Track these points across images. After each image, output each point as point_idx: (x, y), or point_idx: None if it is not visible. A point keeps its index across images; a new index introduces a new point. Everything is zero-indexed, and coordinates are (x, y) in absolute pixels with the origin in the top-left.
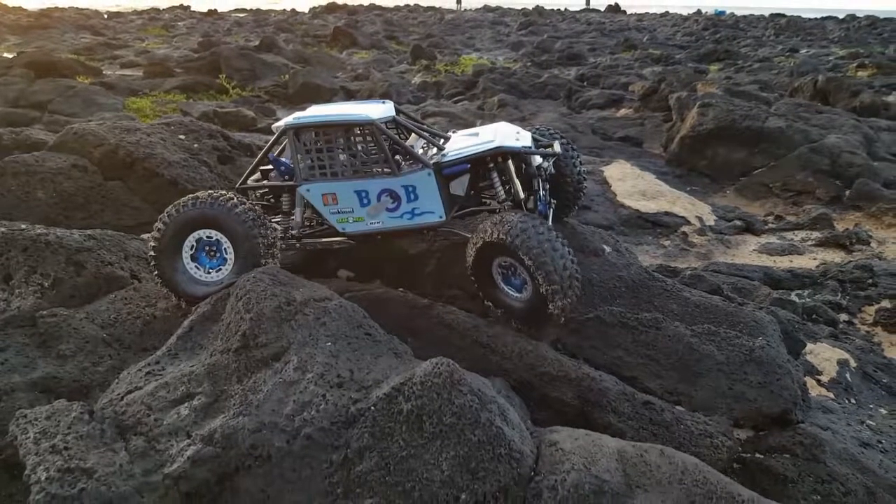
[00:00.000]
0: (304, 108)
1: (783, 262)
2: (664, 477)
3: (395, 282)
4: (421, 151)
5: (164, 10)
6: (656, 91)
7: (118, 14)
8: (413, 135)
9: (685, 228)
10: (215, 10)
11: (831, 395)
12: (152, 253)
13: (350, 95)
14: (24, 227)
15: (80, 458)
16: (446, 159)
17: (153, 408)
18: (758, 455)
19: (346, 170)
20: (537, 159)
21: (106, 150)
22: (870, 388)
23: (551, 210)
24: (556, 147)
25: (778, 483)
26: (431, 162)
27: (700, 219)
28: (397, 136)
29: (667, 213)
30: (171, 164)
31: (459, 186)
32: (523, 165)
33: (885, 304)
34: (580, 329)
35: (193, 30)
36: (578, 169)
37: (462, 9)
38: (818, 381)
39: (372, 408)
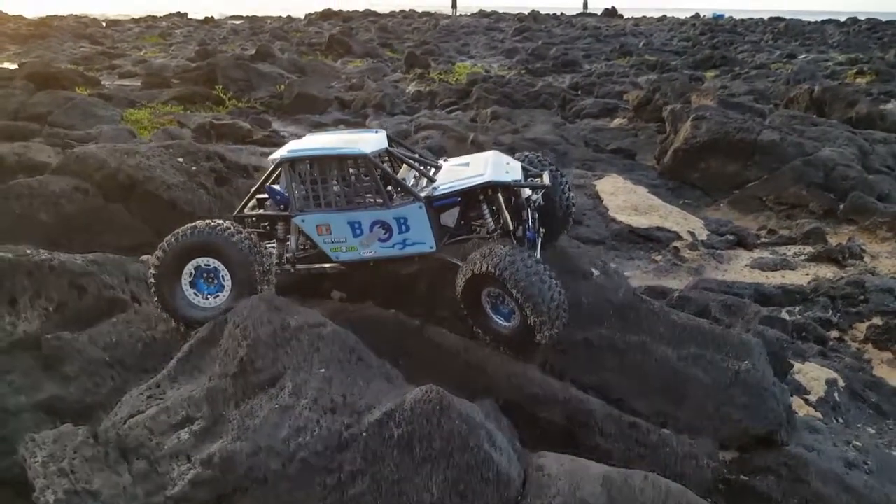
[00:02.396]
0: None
1: (775, 278)
2: (648, 501)
3: (387, 302)
4: (413, 181)
5: (161, 17)
6: (650, 101)
7: (116, 22)
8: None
9: (677, 243)
10: (212, 18)
11: (819, 415)
12: (152, 279)
13: (345, 105)
14: (29, 251)
15: (86, 481)
16: (437, 193)
17: (155, 431)
18: (742, 476)
19: (340, 201)
20: (526, 191)
21: (106, 173)
22: (857, 407)
23: (540, 238)
24: (545, 179)
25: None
26: (423, 195)
27: (692, 233)
28: (390, 169)
29: (658, 228)
30: (170, 186)
31: (450, 218)
32: (512, 197)
33: (876, 320)
34: (568, 351)
35: (190, 38)
36: (567, 196)
37: (457, 14)
38: (806, 401)
39: (364, 433)
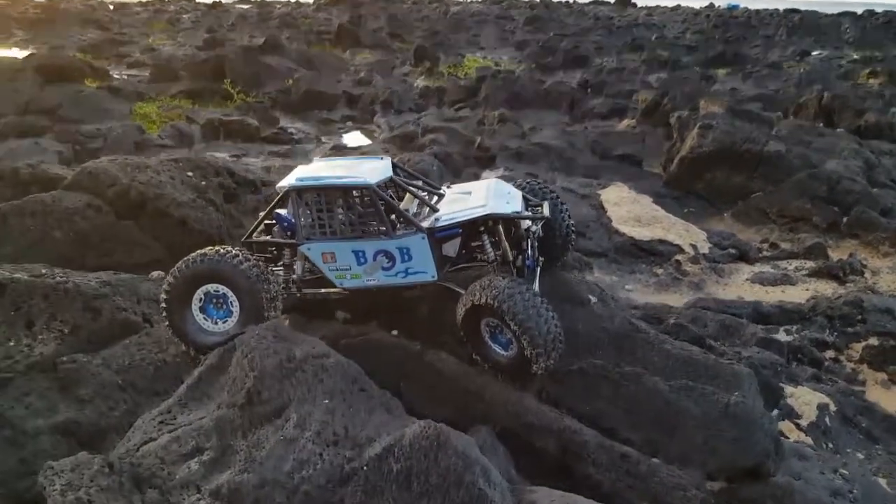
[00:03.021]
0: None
1: (775, 293)
2: None
3: (390, 323)
4: (416, 209)
5: (168, 1)
6: (659, 105)
7: (123, 5)
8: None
9: (679, 257)
10: (220, 3)
11: (809, 440)
12: (164, 305)
13: (353, 102)
14: (44, 271)
15: None
16: (439, 224)
17: (166, 461)
18: None
19: (345, 230)
20: (526, 221)
21: (118, 190)
22: (848, 432)
23: (539, 267)
24: (545, 210)
25: None
26: (425, 226)
27: (694, 247)
28: (395, 196)
29: (661, 241)
30: (180, 204)
31: (451, 248)
32: (513, 228)
33: (873, 341)
34: (564, 380)
35: (198, 24)
36: (567, 223)
37: (468, 0)
38: (797, 426)
39: (364, 467)
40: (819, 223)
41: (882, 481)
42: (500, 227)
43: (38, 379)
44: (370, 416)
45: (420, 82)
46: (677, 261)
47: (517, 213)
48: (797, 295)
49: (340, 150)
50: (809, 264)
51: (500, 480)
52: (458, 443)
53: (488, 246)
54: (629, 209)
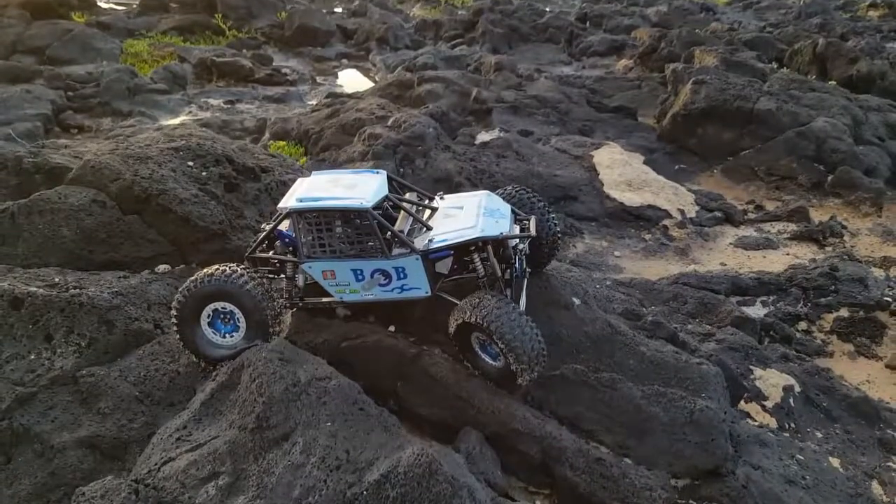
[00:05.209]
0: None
1: (756, 259)
2: None
3: (387, 319)
4: (410, 224)
5: None
6: (656, 50)
7: None
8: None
9: (666, 222)
10: None
11: (774, 422)
12: (174, 321)
13: (347, 37)
14: (57, 280)
15: None
16: (433, 246)
17: (186, 485)
18: (692, 502)
19: (344, 248)
20: (514, 240)
21: (122, 185)
22: (810, 412)
23: (525, 279)
24: (532, 227)
25: None
26: (419, 247)
27: (682, 211)
28: (392, 208)
29: (650, 207)
30: (182, 201)
31: (444, 266)
32: (501, 248)
33: (843, 312)
34: (547, 384)
35: None
36: (554, 231)
37: None
38: (763, 407)
39: (364, 492)
40: (804, 182)
41: (835, 461)
42: (490, 246)
43: (61, 393)
44: (369, 436)
45: (416, 12)
46: (665, 226)
47: (505, 235)
48: (777, 260)
49: (336, 97)
50: (791, 227)
51: (485, 499)
52: (448, 466)
53: (478, 264)
54: (621, 172)
